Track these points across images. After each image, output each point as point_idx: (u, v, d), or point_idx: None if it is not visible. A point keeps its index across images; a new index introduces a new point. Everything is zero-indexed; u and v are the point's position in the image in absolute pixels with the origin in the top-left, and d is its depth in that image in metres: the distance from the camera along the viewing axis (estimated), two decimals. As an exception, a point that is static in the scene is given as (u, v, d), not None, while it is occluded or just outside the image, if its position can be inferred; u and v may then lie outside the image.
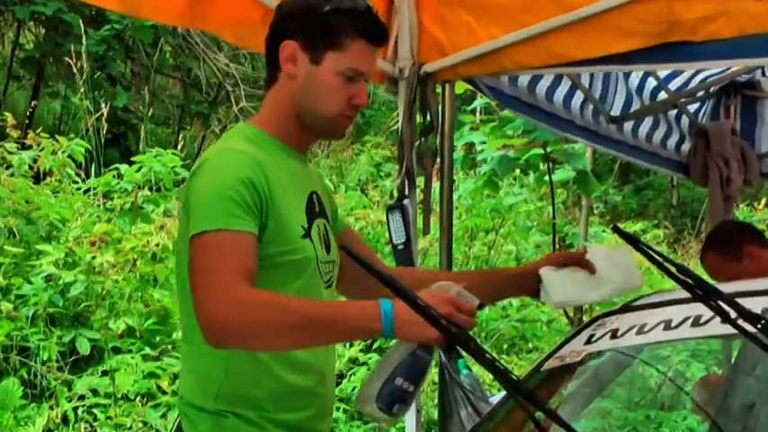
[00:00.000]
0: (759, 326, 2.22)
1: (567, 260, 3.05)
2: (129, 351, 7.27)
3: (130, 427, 6.78)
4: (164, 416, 6.87)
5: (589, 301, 3.00)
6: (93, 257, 7.40)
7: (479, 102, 9.39)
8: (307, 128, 2.69)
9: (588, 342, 2.92)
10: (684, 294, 2.37)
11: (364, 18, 2.64)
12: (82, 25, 10.25)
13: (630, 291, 3.04)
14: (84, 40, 10.11)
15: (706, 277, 3.75)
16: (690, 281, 2.21)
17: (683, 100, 5.96)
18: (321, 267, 2.67)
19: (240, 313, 2.37)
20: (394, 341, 2.48)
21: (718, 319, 2.27)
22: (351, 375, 7.91)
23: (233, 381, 2.58)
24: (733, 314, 2.22)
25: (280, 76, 2.67)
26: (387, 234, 4.61)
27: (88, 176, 9.16)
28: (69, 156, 8.56)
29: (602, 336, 2.89)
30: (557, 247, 8.60)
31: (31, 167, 8.35)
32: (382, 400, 2.43)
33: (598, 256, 2.99)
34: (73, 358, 7.13)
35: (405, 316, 2.37)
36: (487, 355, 2.03)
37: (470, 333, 2.37)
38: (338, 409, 7.47)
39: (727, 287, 2.59)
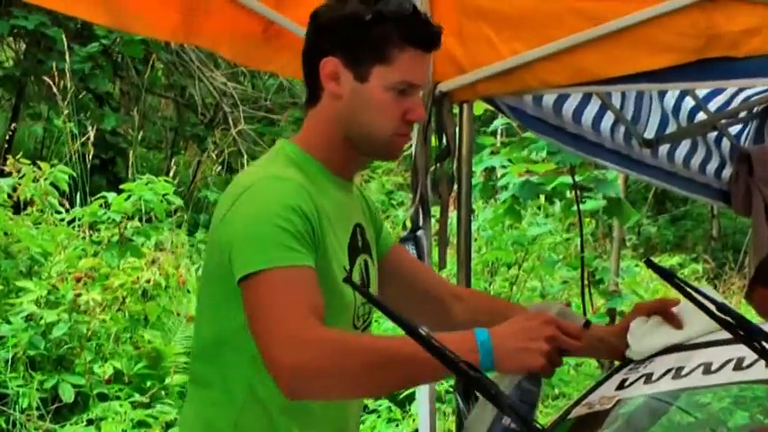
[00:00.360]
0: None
1: (655, 308, 2.95)
2: (117, 398, 7.27)
3: (118, 482, 6.79)
4: (154, 469, 6.87)
5: (670, 343, 2.94)
6: (78, 295, 7.41)
7: (500, 122, 9.35)
8: (358, 151, 2.62)
9: (620, 387, 2.91)
10: (726, 335, 2.37)
11: (411, 23, 2.55)
12: (65, 41, 10.29)
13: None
14: (68, 57, 10.15)
15: (751, 316, 3.74)
16: (731, 320, 2.20)
17: (723, 121, 5.95)
18: (358, 310, 2.63)
19: (316, 356, 2.29)
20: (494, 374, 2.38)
21: (763, 362, 2.27)
22: (359, 424, 7.87)
23: None
24: (779, 356, 2.21)
25: (322, 95, 2.59)
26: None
27: (73, 206, 9.17)
28: (52, 183, 8.56)
29: (636, 380, 2.88)
30: (585, 282, 8.55)
31: (10, 196, 8.36)
32: None
33: (689, 311, 2.89)
34: (55, 406, 7.13)
35: (506, 344, 2.33)
36: (509, 402, 2.02)
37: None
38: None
39: (772, 327, 2.58)
